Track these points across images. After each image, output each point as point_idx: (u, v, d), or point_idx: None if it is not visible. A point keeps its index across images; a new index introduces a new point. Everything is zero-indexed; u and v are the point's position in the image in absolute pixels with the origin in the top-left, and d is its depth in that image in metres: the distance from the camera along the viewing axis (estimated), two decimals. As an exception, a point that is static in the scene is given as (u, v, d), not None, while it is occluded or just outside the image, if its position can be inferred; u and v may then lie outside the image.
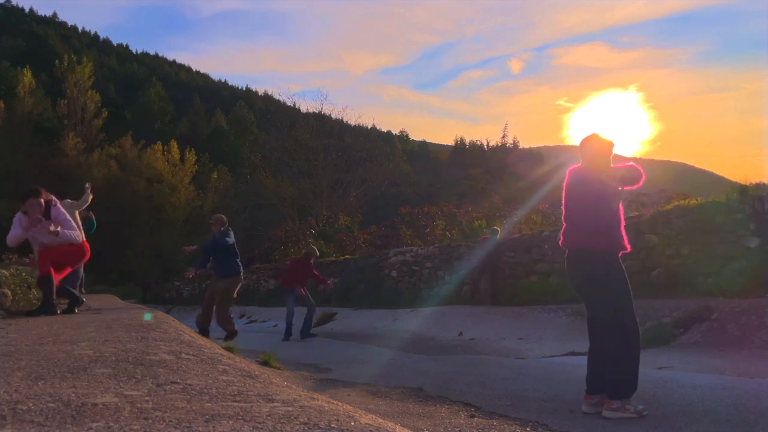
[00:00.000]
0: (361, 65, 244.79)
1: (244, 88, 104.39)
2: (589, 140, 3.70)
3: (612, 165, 3.61)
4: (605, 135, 3.73)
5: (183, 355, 2.84)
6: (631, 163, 3.63)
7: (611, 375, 3.42)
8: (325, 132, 32.04)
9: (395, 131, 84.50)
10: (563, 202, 3.75)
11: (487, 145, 62.24)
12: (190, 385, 2.12)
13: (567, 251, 3.70)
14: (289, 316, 9.81)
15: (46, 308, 5.20)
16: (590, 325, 3.65)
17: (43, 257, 5.33)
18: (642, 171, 3.58)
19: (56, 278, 5.37)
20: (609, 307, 3.48)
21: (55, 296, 5.31)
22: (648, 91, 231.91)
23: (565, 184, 3.73)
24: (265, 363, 5.25)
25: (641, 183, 3.62)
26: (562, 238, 3.74)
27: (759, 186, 8.15)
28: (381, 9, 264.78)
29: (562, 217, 3.80)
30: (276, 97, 59.32)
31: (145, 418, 1.57)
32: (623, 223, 3.62)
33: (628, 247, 3.61)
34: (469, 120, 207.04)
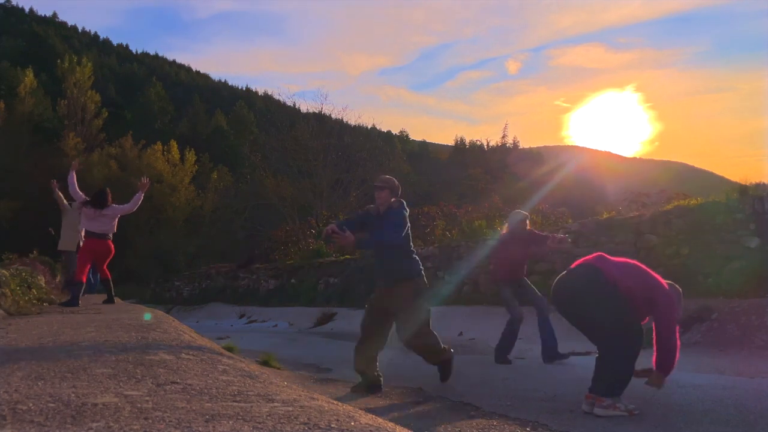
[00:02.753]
0: (359, 66, 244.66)
1: (243, 88, 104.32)
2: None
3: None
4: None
5: (183, 355, 2.84)
6: None
7: (606, 373, 3.44)
8: (325, 132, 32.02)
9: (395, 131, 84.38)
10: None
11: (487, 145, 62.02)
12: (190, 385, 2.12)
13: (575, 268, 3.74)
14: (516, 323, 6.28)
15: (72, 302, 6.57)
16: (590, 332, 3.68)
17: (81, 266, 6.97)
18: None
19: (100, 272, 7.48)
20: (610, 314, 3.48)
21: (82, 294, 6.90)
22: (646, 92, 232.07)
23: None
24: (265, 363, 5.25)
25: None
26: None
27: (759, 186, 8.14)
28: (378, 10, 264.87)
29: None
30: (276, 97, 59.15)
31: (145, 418, 1.57)
32: None
33: None
34: (468, 120, 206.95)
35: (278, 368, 5.24)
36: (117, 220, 7.27)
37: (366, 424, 1.72)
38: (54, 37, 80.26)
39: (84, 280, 7.03)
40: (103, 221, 7.10)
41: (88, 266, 7.33)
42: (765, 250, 7.13)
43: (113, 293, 7.60)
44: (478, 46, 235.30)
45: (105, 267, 7.41)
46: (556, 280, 3.82)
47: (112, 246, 7.28)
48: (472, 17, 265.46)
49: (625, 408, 3.39)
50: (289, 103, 41.38)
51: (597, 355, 3.63)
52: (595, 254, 3.76)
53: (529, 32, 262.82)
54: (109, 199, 7.25)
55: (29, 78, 45.28)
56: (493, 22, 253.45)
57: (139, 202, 7.43)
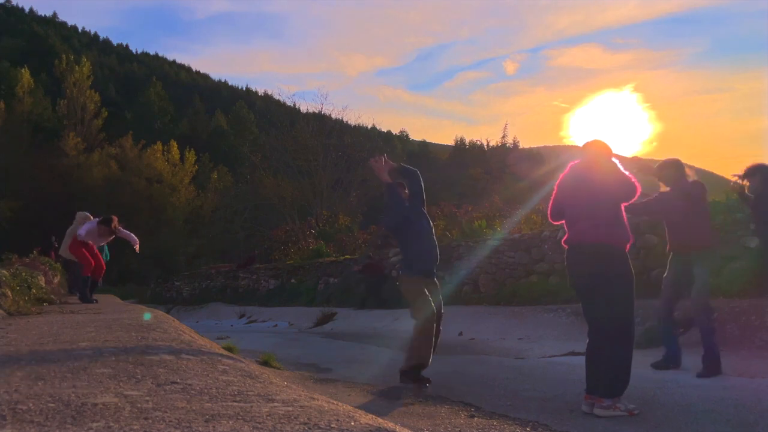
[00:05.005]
0: (357, 66, 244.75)
1: (243, 89, 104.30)
2: (596, 143, 3.78)
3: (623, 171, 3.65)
4: (606, 140, 3.80)
5: (183, 355, 2.84)
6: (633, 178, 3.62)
7: (605, 374, 3.44)
8: (325, 132, 32.02)
9: (395, 131, 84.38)
10: (570, 196, 3.74)
11: (487, 145, 62.00)
12: (190, 385, 2.12)
13: (576, 246, 3.67)
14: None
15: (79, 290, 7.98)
16: (590, 324, 3.66)
17: (86, 265, 7.83)
18: (637, 188, 3.60)
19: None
20: (614, 306, 3.48)
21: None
22: (645, 92, 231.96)
23: (569, 178, 3.77)
24: (265, 363, 5.25)
25: (634, 199, 3.66)
26: (573, 233, 3.69)
27: (759, 186, 8.13)
28: (375, 11, 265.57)
29: (560, 212, 3.81)
30: (276, 97, 59.16)
31: (145, 418, 1.57)
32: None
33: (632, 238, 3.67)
34: (466, 121, 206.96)
35: (278, 368, 5.23)
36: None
37: (366, 424, 1.72)
38: (54, 37, 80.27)
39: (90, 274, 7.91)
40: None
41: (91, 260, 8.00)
42: (765, 250, 7.13)
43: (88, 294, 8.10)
44: (475, 46, 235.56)
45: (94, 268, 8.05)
46: (568, 257, 3.72)
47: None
48: (469, 18, 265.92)
49: (625, 408, 3.38)
50: (289, 103, 41.41)
51: (588, 353, 3.61)
52: (584, 225, 3.64)
53: (526, 33, 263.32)
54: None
55: (26, 77, 45.27)
56: (490, 23, 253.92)
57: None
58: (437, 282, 4.72)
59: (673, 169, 4.87)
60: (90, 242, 7.88)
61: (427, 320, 4.42)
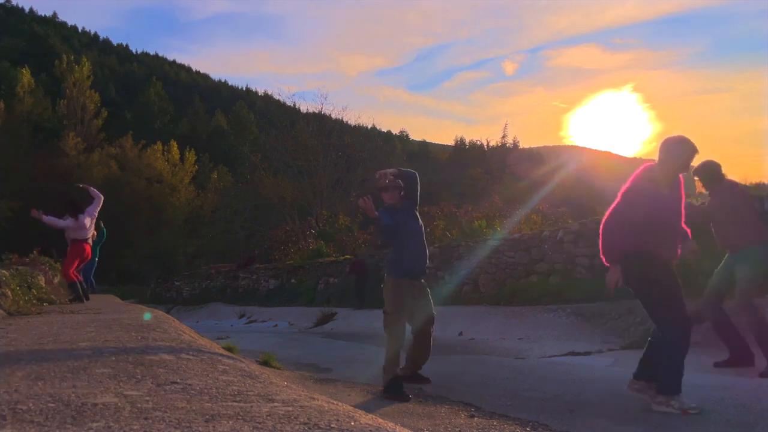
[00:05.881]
0: (356, 67, 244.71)
1: (243, 89, 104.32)
2: (671, 141, 3.61)
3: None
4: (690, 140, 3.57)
5: (183, 355, 2.84)
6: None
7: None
8: (325, 132, 32.03)
9: (394, 131, 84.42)
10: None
11: (487, 145, 61.98)
12: (190, 385, 2.12)
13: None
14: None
15: (77, 299, 7.65)
16: None
17: (67, 267, 7.73)
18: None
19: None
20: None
21: (80, 290, 7.76)
22: (644, 92, 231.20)
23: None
24: (265, 363, 5.25)
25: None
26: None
27: (759, 186, 8.13)
28: (374, 11, 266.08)
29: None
30: (276, 97, 59.13)
31: (145, 418, 1.57)
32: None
33: (667, 252, 3.57)
34: (466, 121, 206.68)
35: (278, 368, 5.23)
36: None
37: (366, 424, 1.72)
38: (54, 37, 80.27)
39: (74, 277, 7.92)
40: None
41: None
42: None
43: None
44: (474, 47, 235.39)
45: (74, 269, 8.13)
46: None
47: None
48: (468, 18, 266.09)
49: (680, 406, 3.39)
50: (289, 103, 41.38)
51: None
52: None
53: (525, 33, 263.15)
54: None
55: (26, 77, 45.31)
56: (489, 24, 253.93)
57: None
58: (426, 285, 4.63)
59: (709, 172, 5.01)
60: (73, 242, 7.81)
61: (393, 337, 4.29)
